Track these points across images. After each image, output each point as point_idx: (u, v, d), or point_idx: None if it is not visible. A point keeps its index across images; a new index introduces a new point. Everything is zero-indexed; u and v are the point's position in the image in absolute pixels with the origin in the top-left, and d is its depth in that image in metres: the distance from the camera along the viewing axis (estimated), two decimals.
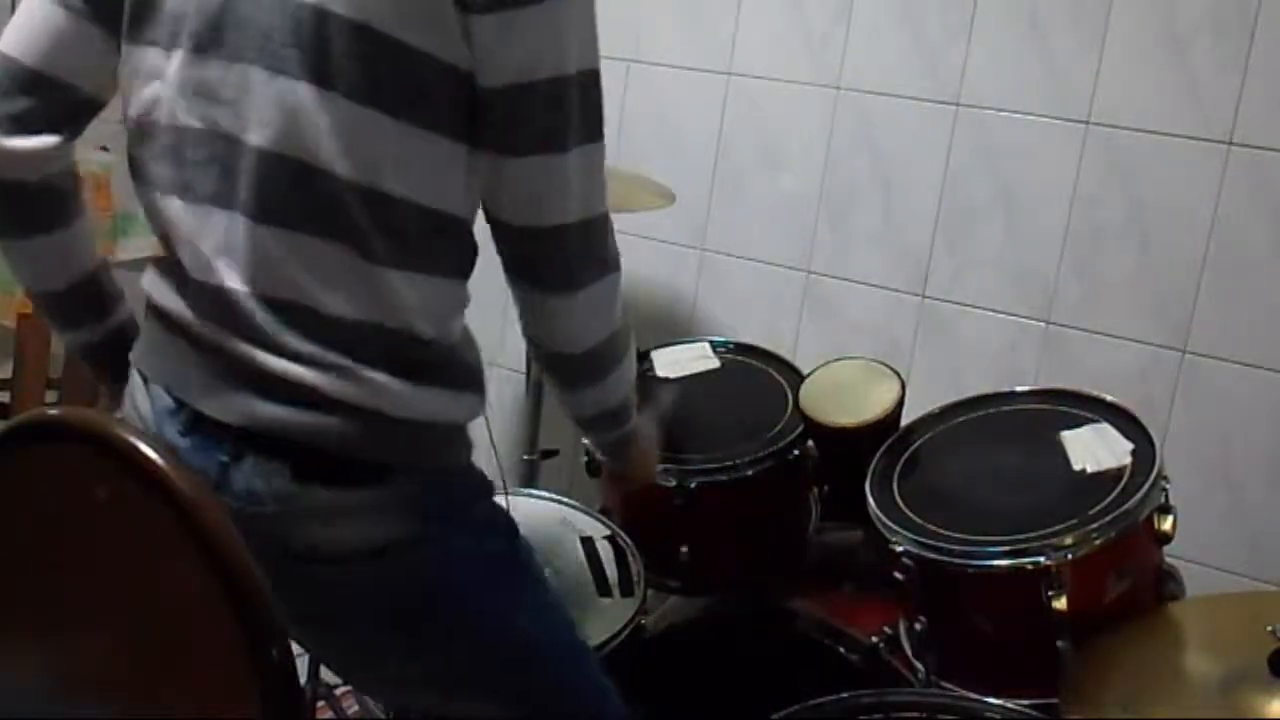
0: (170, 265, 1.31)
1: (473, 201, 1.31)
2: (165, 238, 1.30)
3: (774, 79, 2.55)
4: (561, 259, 1.31)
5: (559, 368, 1.42)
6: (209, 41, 1.24)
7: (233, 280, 1.24)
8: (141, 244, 2.98)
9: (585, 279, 1.32)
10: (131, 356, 1.37)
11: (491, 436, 1.44)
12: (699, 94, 2.62)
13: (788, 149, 2.55)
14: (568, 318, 1.34)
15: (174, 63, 1.26)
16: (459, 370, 1.32)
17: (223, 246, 1.24)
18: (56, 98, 1.33)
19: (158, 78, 1.27)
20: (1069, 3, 2.24)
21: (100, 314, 1.47)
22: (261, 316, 1.24)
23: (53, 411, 1.22)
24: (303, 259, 1.22)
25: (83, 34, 1.31)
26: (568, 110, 1.25)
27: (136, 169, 1.32)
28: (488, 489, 1.40)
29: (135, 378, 1.35)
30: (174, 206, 1.27)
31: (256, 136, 1.22)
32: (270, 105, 1.21)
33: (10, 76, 1.32)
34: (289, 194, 1.22)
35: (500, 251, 1.33)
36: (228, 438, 1.25)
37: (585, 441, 2.03)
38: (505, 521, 1.41)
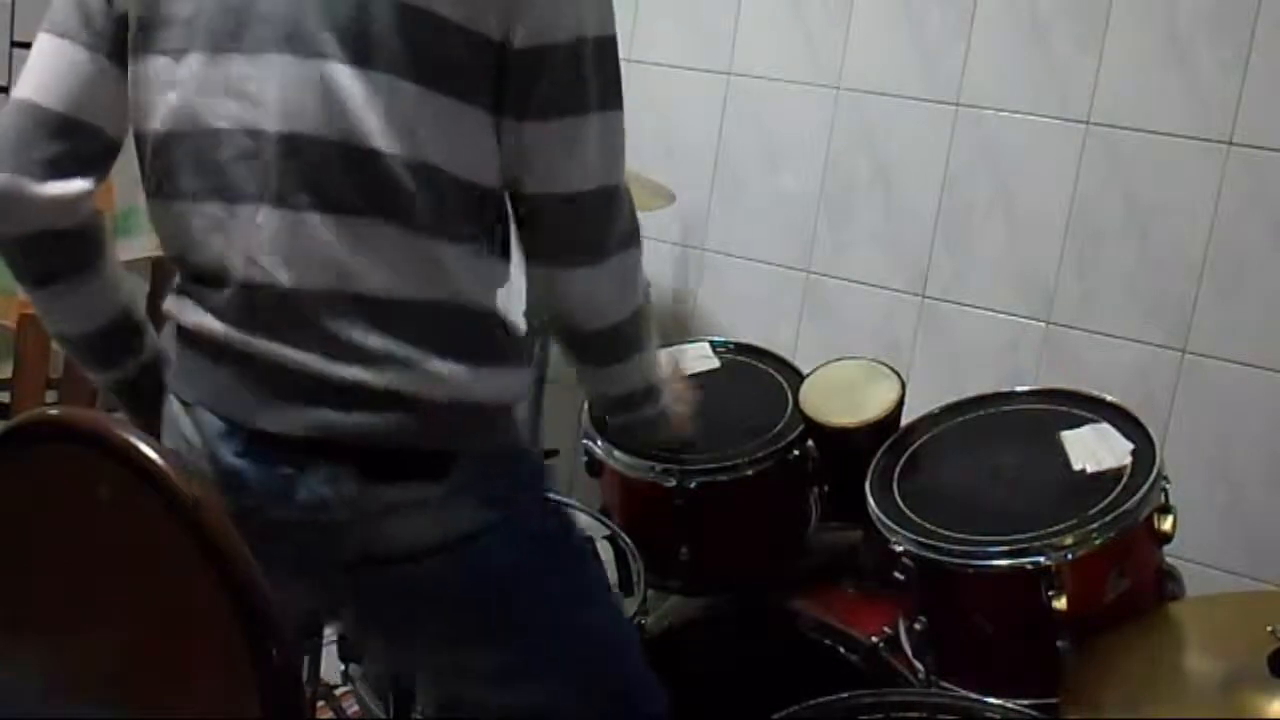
0: (201, 283, 1.29)
1: (500, 174, 1.30)
2: (202, 248, 1.28)
3: (774, 79, 2.55)
4: (586, 226, 1.31)
5: (586, 345, 1.42)
6: (228, 40, 1.23)
7: (282, 276, 1.23)
8: (144, 243, 2.98)
9: (610, 248, 1.33)
10: (168, 383, 1.35)
11: None
12: (699, 94, 2.62)
13: (788, 149, 2.55)
14: (593, 287, 1.34)
15: (188, 68, 1.25)
16: (511, 345, 1.34)
17: (269, 242, 1.23)
18: (86, 141, 1.32)
19: (171, 88, 1.26)
20: (1069, 3, 2.24)
21: (134, 350, 1.45)
22: (313, 313, 1.23)
23: (53, 411, 1.23)
24: (352, 241, 1.22)
25: (104, 73, 1.31)
26: (585, 74, 1.25)
27: (160, 182, 1.30)
28: (544, 469, 1.44)
29: (174, 406, 1.33)
30: (212, 211, 1.26)
31: (294, 124, 1.21)
32: (306, 90, 1.21)
33: (39, 123, 1.31)
34: (334, 177, 1.22)
35: (522, 227, 1.32)
36: (289, 450, 1.24)
37: (586, 442, 2.04)
38: (557, 503, 1.45)
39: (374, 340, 1.23)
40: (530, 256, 1.34)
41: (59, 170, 1.31)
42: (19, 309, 2.83)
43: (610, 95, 1.29)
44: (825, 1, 2.48)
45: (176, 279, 1.35)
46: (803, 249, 2.55)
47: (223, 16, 1.23)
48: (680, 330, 2.63)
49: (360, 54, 1.20)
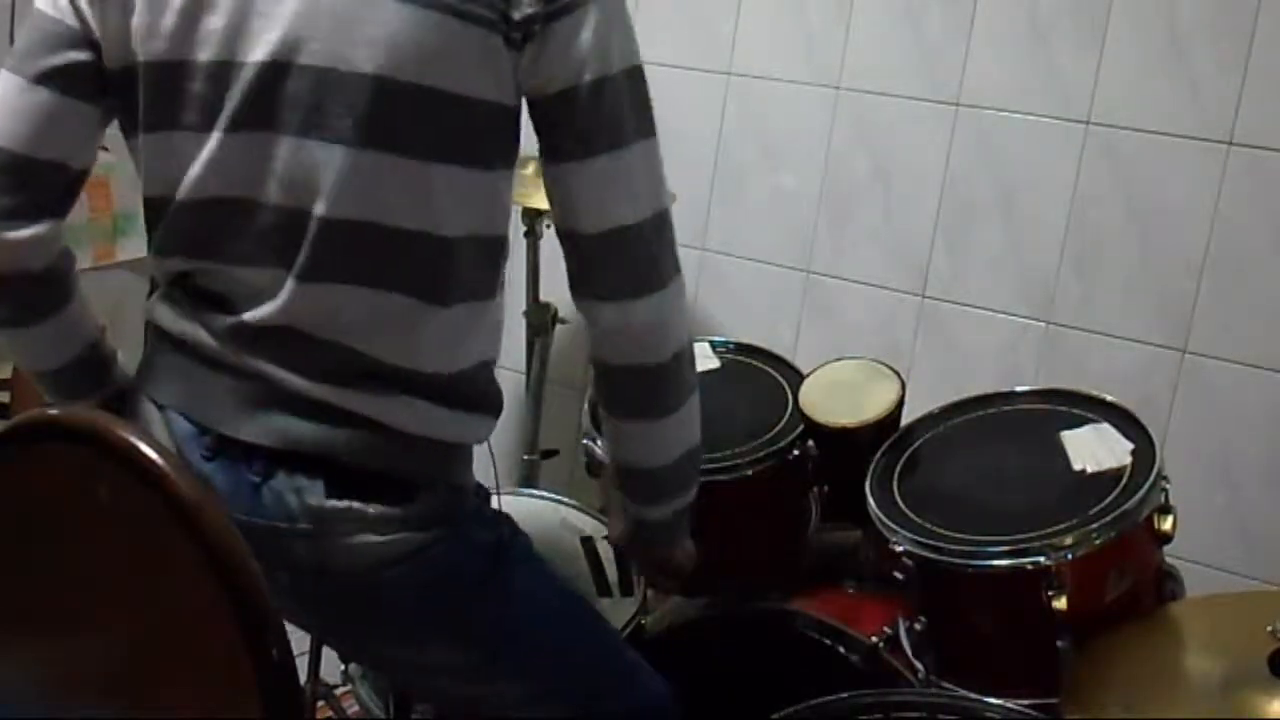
0: (185, 294, 1.31)
1: (506, 222, 1.34)
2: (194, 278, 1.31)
3: (774, 79, 2.55)
4: (649, 253, 1.32)
5: (646, 387, 1.39)
6: (251, 119, 1.23)
7: (279, 321, 1.25)
8: (143, 244, 2.96)
9: (671, 271, 1.34)
10: (139, 382, 1.37)
11: (490, 447, 1.45)
12: (699, 94, 2.62)
13: (788, 149, 2.55)
14: (662, 313, 1.34)
15: (211, 144, 1.25)
16: (487, 395, 1.36)
17: (271, 302, 1.25)
18: (49, 180, 1.32)
19: (191, 160, 1.26)
20: (1069, 3, 2.24)
21: (100, 381, 1.46)
22: (301, 349, 1.25)
23: (53, 411, 1.22)
24: (355, 310, 1.24)
25: (73, 112, 1.30)
26: (619, 108, 1.27)
27: (162, 245, 1.32)
28: (487, 495, 1.44)
29: (148, 406, 1.34)
30: (231, 271, 1.28)
31: (321, 206, 1.22)
32: (329, 172, 1.21)
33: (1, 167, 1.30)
34: (349, 254, 1.24)
35: (576, 270, 1.33)
36: (258, 458, 1.26)
37: (586, 442, 2.04)
38: (503, 516, 1.44)
39: (352, 374, 1.26)
40: (596, 298, 1.33)
41: (22, 215, 1.30)
42: None
43: (645, 124, 1.31)
44: (825, 1, 2.48)
45: (164, 283, 1.35)
46: (803, 249, 2.55)
47: (244, 96, 1.23)
48: None
49: (380, 137, 1.21)
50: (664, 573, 1.63)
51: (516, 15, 1.20)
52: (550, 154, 1.29)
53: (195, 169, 1.26)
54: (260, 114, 1.22)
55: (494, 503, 1.45)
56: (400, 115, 1.21)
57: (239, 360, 1.27)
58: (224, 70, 1.22)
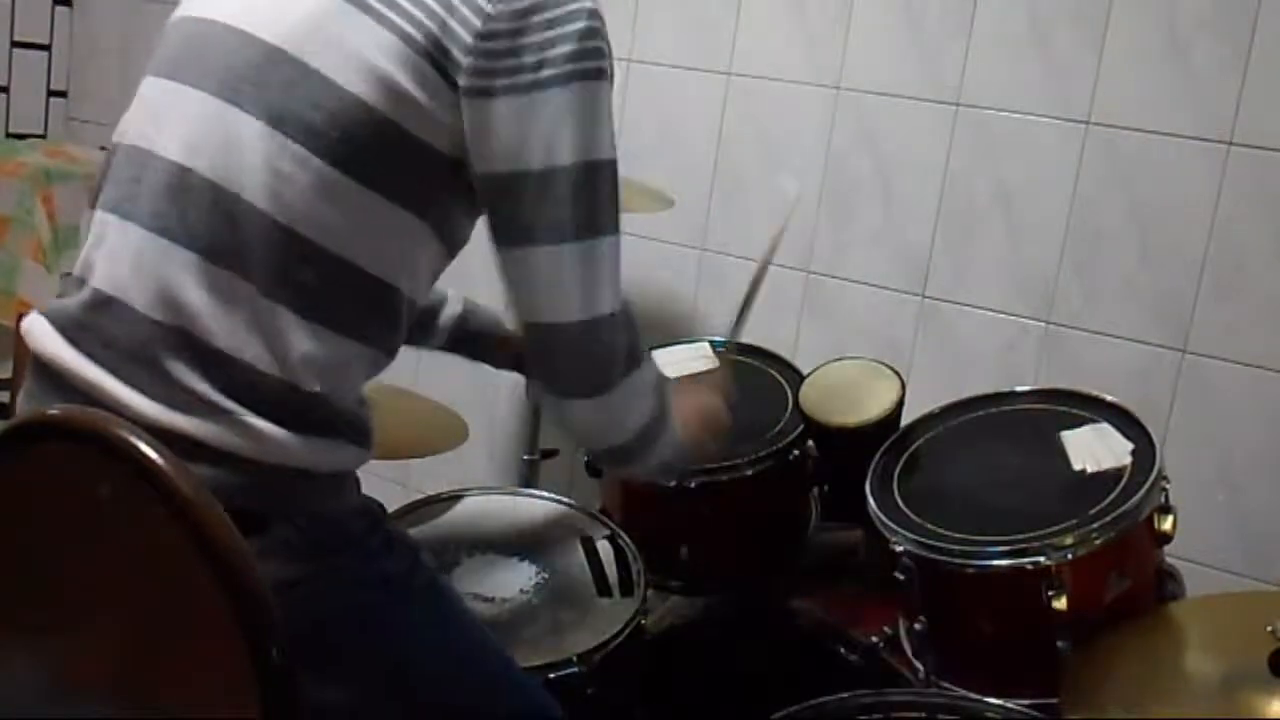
0: (60, 299, 1.29)
1: (419, 281, 1.29)
2: (87, 255, 1.29)
3: (774, 79, 2.55)
4: (575, 359, 1.28)
5: (596, 456, 1.46)
6: (170, 67, 1.27)
7: (135, 296, 1.22)
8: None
9: (605, 381, 1.29)
10: (19, 404, 1.33)
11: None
12: (699, 94, 2.62)
13: (788, 149, 2.55)
14: (591, 419, 1.31)
15: (146, 84, 1.30)
16: (344, 423, 1.28)
17: (135, 261, 1.23)
18: None
19: (136, 101, 1.31)
20: (1069, 3, 2.24)
21: (430, 332, 1.56)
22: (152, 346, 1.21)
23: (53, 411, 1.22)
24: (209, 288, 1.21)
25: None
26: (558, 203, 1.22)
27: (95, 191, 1.32)
28: (379, 517, 1.36)
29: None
30: (105, 220, 1.28)
31: (192, 159, 1.22)
32: (217, 134, 1.21)
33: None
34: (211, 222, 1.21)
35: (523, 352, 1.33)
36: None
37: None
38: (404, 544, 1.39)
39: (201, 388, 1.20)
40: (529, 379, 1.33)
41: None
42: (18, 309, 2.83)
43: (595, 222, 1.24)
44: (825, 1, 2.48)
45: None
46: (803, 249, 2.55)
47: (175, 46, 1.27)
48: (680, 330, 2.63)
49: (277, 118, 1.20)
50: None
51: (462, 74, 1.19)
52: (488, 231, 1.28)
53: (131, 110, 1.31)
54: (178, 63, 1.27)
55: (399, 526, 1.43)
56: (294, 99, 1.20)
57: (85, 373, 1.22)
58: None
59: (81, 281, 1.28)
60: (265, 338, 1.21)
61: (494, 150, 1.21)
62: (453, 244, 1.31)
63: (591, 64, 1.23)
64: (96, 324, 1.24)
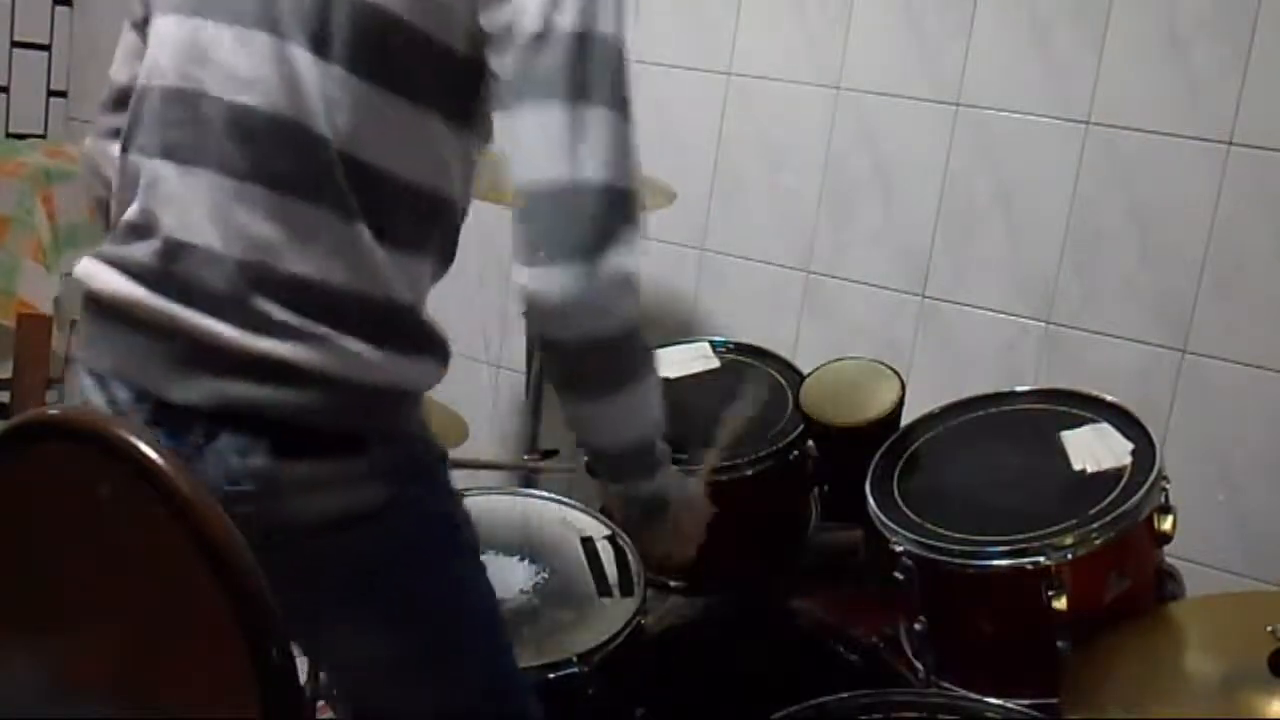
0: (125, 243, 1.28)
1: (462, 186, 1.31)
2: (140, 202, 1.28)
3: (774, 79, 2.55)
4: (552, 219, 1.24)
5: (570, 365, 1.34)
6: (194, 3, 1.27)
7: (214, 240, 1.23)
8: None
9: (586, 247, 1.23)
10: (78, 356, 1.34)
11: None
12: (699, 94, 2.62)
13: (788, 149, 2.55)
14: (570, 293, 1.25)
15: (167, 27, 1.29)
16: (426, 335, 1.31)
17: (207, 206, 1.24)
18: None
19: (157, 45, 1.30)
20: (1069, 3, 2.24)
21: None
22: (235, 283, 1.22)
23: (53, 411, 1.22)
24: (286, 221, 1.22)
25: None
26: (551, 65, 1.22)
27: (128, 136, 1.32)
28: (444, 454, 1.38)
29: (85, 379, 1.32)
30: (158, 168, 1.27)
31: (247, 94, 1.23)
32: (268, 67, 1.22)
33: (109, 95, 1.44)
34: (279, 155, 1.22)
35: (515, 235, 1.27)
36: (198, 421, 1.23)
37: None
38: (461, 501, 1.41)
39: (292, 318, 1.22)
40: (516, 262, 1.28)
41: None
42: (19, 308, 2.83)
43: (588, 90, 1.23)
44: (825, 1, 2.48)
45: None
46: (803, 249, 2.55)
47: None
48: (680, 330, 2.63)
49: (320, 42, 1.22)
50: (659, 555, 1.58)
51: None
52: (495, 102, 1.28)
53: (158, 52, 1.30)
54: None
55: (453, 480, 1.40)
56: (334, 21, 1.21)
57: (163, 310, 1.24)
58: None
59: (139, 228, 1.27)
60: (349, 261, 1.23)
61: (497, 17, 1.23)
62: (482, 141, 1.34)
63: None
64: (175, 271, 1.24)
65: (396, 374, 1.27)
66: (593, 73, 1.23)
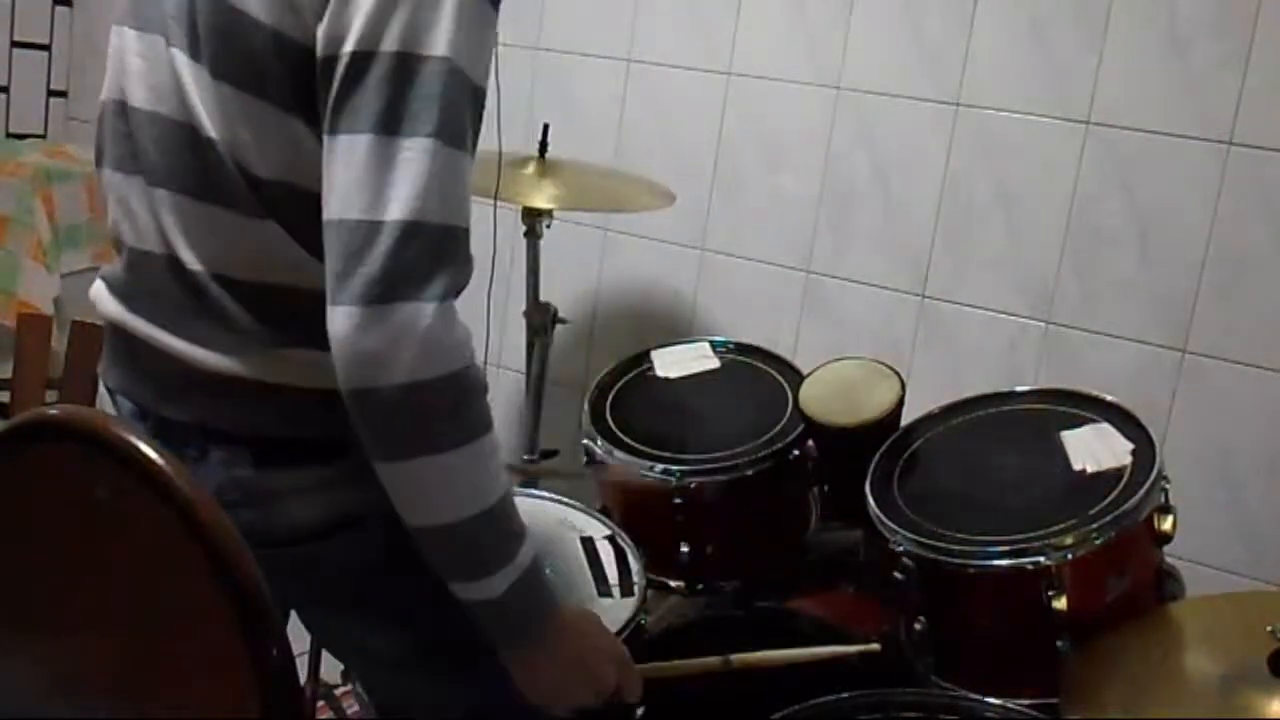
0: (112, 269, 1.34)
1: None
2: (113, 218, 1.32)
3: (774, 79, 2.55)
4: (344, 261, 1.11)
5: (361, 410, 1.14)
6: (133, 17, 1.29)
7: (156, 248, 1.26)
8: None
9: (372, 293, 1.10)
10: (99, 369, 1.39)
11: None
12: (699, 94, 2.62)
13: (788, 149, 2.55)
14: (349, 339, 1.12)
15: (112, 37, 1.32)
16: None
17: (149, 215, 1.27)
18: None
19: (109, 57, 1.33)
20: (1069, 3, 2.24)
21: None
22: (186, 291, 1.24)
23: (53, 411, 1.22)
24: (212, 228, 1.24)
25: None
26: (363, 91, 1.12)
27: (97, 154, 1.35)
28: None
29: (103, 392, 1.37)
30: (115, 181, 1.31)
31: (157, 104, 1.25)
32: (164, 72, 1.25)
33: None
34: (189, 161, 1.24)
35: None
36: (191, 436, 1.25)
37: (585, 442, 2.04)
38: None
39: (244, 323, 1.23)
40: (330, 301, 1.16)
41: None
42: (19, 308, 2.82)
43: (401, 119, 1.12)
44: (825, 1, 2.48)
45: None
46: (803, 249, 2.55)
47: None
48: (680, 330, 2.63)
49: (192, 45, 1.22)
50: (538, 696, 1.30)
51: None
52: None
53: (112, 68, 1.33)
54: (138, 11, 1.29)
55: None
56: (200, 22, 1.21)
57: (137, 329, 1.27)
58: None
59: (116, 243, 1.33)
60: (276, 262, 1.23)
61: (322, 33, 1.15)
62: None
63: None
64: (138, 281, 1.29)
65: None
66: (413, 100, 1.12)
